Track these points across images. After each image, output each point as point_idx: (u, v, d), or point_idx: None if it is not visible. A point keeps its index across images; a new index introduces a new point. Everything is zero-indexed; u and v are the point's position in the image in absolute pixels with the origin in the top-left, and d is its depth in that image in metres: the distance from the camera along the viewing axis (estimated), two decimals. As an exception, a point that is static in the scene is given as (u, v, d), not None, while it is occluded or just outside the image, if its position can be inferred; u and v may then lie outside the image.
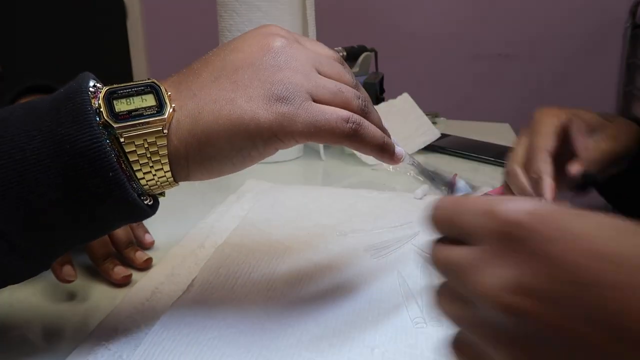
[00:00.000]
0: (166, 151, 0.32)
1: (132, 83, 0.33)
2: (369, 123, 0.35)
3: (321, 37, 0.80)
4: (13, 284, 0.34)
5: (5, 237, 0.30)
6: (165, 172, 0.33)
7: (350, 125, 0.33)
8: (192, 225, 0.55)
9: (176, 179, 0.34)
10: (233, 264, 0.47)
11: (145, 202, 0.33)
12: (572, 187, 0.48)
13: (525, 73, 1.89)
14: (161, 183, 0.33)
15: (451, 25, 1.87)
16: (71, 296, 0.44)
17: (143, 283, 0.45)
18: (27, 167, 0.30)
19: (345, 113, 0.34)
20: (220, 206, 0.60)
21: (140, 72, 2.15)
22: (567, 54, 1.87)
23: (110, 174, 0.30)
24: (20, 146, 0.30)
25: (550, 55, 1.87)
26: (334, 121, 0.33)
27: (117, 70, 2.18)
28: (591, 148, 0.48)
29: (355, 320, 0.39)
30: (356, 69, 1.02)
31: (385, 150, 0.36)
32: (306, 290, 0.43)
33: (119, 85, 0.33)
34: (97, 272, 0.46)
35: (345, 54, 1.01)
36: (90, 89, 0.32)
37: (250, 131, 0.32)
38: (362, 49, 1.04)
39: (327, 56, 0.37)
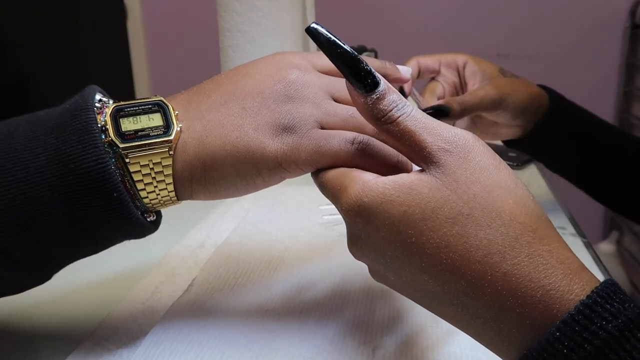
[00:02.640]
0: (171, 171, 0.32)
1: (139, 100, 0.33)
2: (379, 142, 0.32)
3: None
4: (12, 294, 0.34)
5: (6, 252, 0.30)
6: (169, 191, 0.32)
7: (356, 146, 0.31)
8: (192, 225, 0.55)
9: (179, 198, 0.34)
10: (233, 264, 0.47)
11: (149, 219, 0.34)
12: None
13: (524, 73, 1.88)
14: (164, 201, 0.33)
15: (450, 25, 1.87)
16: (71, 296, 0.44)
17: (143, 283, 0.45)
18: (31, 185, 0.30)
19: (349, 134, 0.32)
20: (220, 206, 0.60)
21: (141, 72, 2.15)
22: (566, 54, 1.87)
23: (115, 195, 0.30)
24: (25, 164, 0.30)
25: (549, 55, 1.87)
26: (336, 145, 0.31)
27: (117, 70, 2.18)
28: (471, 91, 0.53)
29: (356, 320, 0.39)
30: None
31: (399, 170, 0.32)
32: (306, 290, 0.43)
33: (127, 102, 0.32)
34: (97, 272, 0.46)
35: None
36: (96, 104, 0.32)
37: (256, 160, 0.32)
38: (362, 49, 1.05)
39: (343, 86, 0.34)
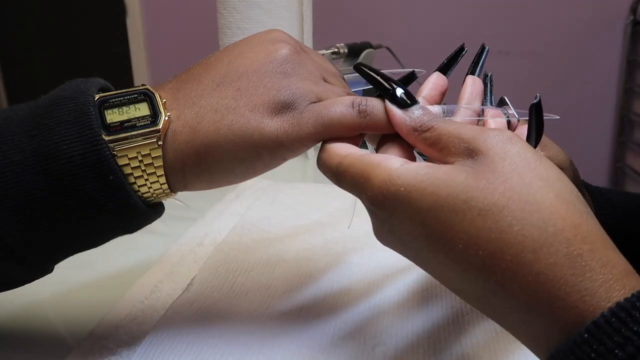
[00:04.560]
0: (161, 163, 0.30)
1: (124, 90, 0.31)
2: (378, 101, 0.31)
3: (320, 35, 0.80)
4: (11, 288, 0.34)
5: (2, 240, 0.29)
6: (161, 184, 0.31)
7: (357, 107, 0.31)
8: (191, 224, 0.55)
9: (173, 189, 0.32)
10: (232, 263, 0.47)
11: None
12: None
13: (525, 70, 1.89)
14: (157, 194, 0.32)
15: (451, 23, 1.87)
16: (70, 295, 0.44)
17: (142, 281, 0.45)
18: (25, 168, 0.28)
19: (347, 99, 0.31)
20: (219, 204, 0.60)
21: (140, 69, 2.15)
22: (567, 51, 1.87)
23: (111, 178, 0.29)
24: (20, 147, 0.29)
25: (550, 52, 1.87)
26: (339, 111, 0.31)
27: (117, 68, 2.18)
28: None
29: (356, 317, 0.39)
30: (356, 66, 1.02)
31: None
32: (306, 288, 0.43)
33: (111, 93, 0.31)
34: (96, 271, 0.46)
35: (347, 50, 1.01)
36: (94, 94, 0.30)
37: (254, 142, 0.30)
38: (365, 46, 1.04)
39: (332, 70, 0.36)
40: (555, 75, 1.89)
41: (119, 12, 2.10)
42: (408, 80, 0.35)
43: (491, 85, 0.37)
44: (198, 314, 0.39)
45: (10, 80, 2.43)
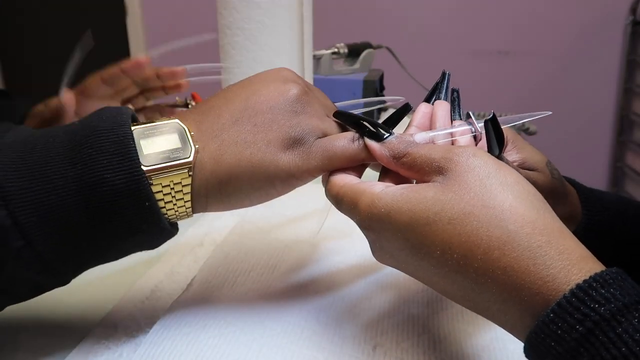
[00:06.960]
0: (190, 190, 0.34)
1: (157, 123, 0.34)
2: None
3: (320, 35, 0.80)
4: (37, 296, 0.35)
5: (42, 257, 0.31)
6: (186, 208, 0.34)
7: (357, 142, 0.35)
8: (191, 223, 0.55)
9: (194, 211, 0.35)
10: (232, 263, 0.47)
11: None
12: None
13: (525, 70, 1.89)
14: (180, 215, 0.35)
15: (451, 23, 1.87)
16: (71, 295, 0.44)
17: (142, 281, 0.45)
18: (69, 193, 0.31)
19: (349, 134, 0.35)
20: (220, 204, 0.60)
21: (140, 69, 2.14)
22: (567, 51, 1.87)
23: (147, 204, 0.32)
24: (63, 173, 0.31)
25: (550, 52, 1.87)
26: (341, 145, 0.35)
27: (116, 67, 2.17)
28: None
29: (356, 317, 0.39)
30: (357, 65, 1.02)
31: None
32: (306, 288, 0.43)
33: (145, 125, 0.33)
34: (95, 270, 0.46)
35: (347, 50, 1.01)
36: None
37: (270, 173, 0.34)
38: (366, 46, 1.04)
39: (331, 106, 0.40)
40: (555, 75, 1.89)
41: (119, 12, 2.10)
42: (404, 111, 0.38)
43: (458, 99, 0.40)
44: (198, 314, 0.39)
45: (10, 80, 2.43)
